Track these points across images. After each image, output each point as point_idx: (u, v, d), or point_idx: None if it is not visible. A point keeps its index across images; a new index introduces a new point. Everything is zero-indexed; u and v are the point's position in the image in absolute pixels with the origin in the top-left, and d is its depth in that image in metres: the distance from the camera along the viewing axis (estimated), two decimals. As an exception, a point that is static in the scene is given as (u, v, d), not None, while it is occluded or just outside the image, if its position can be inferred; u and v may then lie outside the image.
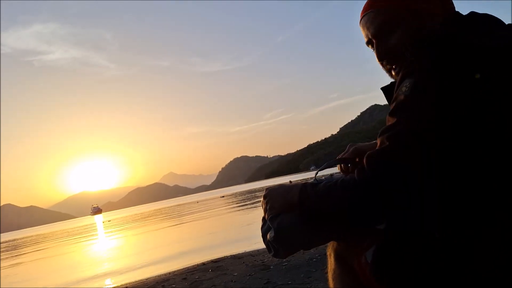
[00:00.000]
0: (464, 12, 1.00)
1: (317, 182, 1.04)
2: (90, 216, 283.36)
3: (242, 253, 6.27)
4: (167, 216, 27.80)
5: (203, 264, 5.81)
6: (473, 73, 0.85)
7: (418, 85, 0.87)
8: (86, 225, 52.43)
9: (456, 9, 1.04)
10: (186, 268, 5.85)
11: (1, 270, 12.16)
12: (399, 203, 0.87)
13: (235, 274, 4.59)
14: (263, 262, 4.95)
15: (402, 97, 0.89)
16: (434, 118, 0.85)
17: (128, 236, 16.57)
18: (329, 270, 1.21)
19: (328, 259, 1.22)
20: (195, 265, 5.90)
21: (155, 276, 5.81)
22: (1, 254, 21.95)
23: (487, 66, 0.86)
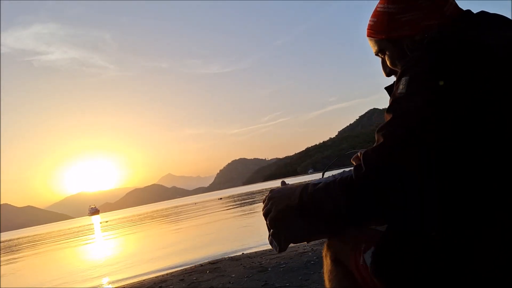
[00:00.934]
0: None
1: (318, 181, 1.05)
2: (87, 216, 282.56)
3: (240, 255, 6.28)
4: (164, 217, 27.75)
5: (201, 265, 5.81)
6: (472, 73, 0.85)
7: (413, 82, 0.89)
8: (84, 225, 52.29)
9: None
10: (183, 269, 5.85)
11: (0, 270, 12.12)
12: (395, 201, 0.88)
13: (233, 275, 4.59)
14: (260, 264, 4.96)
15: (397, 94, 0.92)
16: (428, 115, 0.86)
17: (126, 237, 16.54)
18: (325, 271, 1.22)
19: (324, 260, 1.23)
20: (193, 266, 5.91)
21: (153, 277, 5.82)
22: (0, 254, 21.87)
23: (486, 66, 0.86)
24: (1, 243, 40.85)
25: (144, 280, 5.74)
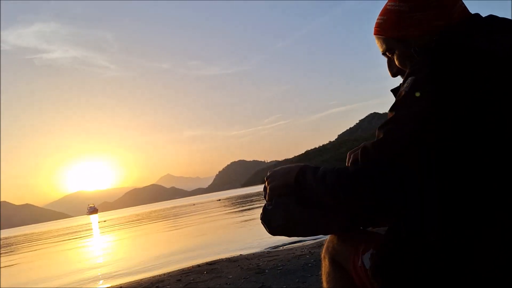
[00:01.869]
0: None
1: (316, 167, 1.06)
2: (86, 215, 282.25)
3: (238, 256, 6.28)
4: (163, 217, 27.72)
5: (198, 266, 5.81)
6: (474, 75, 0.87)
7: (418, 84, 0.91)
8: (82, 224, 52.21)
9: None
10: (181, 269, 5.84)
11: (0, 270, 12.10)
12: (391, 197, 0.89)
13: (230, 277, 4.59)
14: (258, 265, 4.95)
15: (402, 93, 0.94)
16: (429, 115, 0.87)
17: (124, 237, 16.52)
18: (323, 273, 1.23)
19: (323, 261, 1.24)
20: (190, 267, 5.90)
21: (150, 277, 5.81)
22: (-5, 251, 21.83)
23: (488, 69, 0.88)
24: (0, 241, 40.76)
25: (141, 279, 5.74)
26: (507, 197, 0.84)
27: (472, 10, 1.05)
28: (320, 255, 1.26)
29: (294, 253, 5.40)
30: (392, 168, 0.88)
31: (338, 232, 1.20)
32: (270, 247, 6.98)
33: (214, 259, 6.21)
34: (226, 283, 4.30)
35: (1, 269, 11.57)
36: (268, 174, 1.22)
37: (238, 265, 5.23)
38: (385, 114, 1.01)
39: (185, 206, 49.79)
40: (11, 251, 19.84)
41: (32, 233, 49.75)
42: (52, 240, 23.56)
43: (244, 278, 4.39)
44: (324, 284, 1.21)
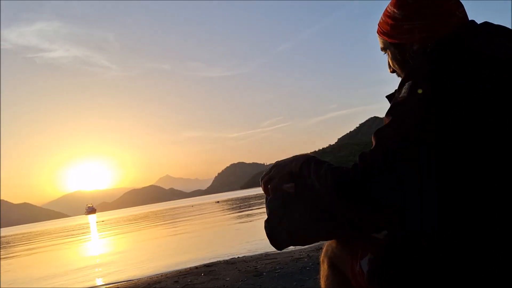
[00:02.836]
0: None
1: (323, 161, 1.04)
2: (84, 215, 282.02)
3: (235, 258, 6.28)
4: (161, 219, 27.71)
5: (196, 267, 5.81)
6: (473, 75, 0.87)
7: (413, 89, 0.91)
8: (80, 224, 52.17)
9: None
10: (178, 271, 5.84)
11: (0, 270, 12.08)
12: (386, 200, 0.89)
13: (227, 279, 4.59)
14: (256, 268, 4.95)
15: (398, 99, 0.94)
16: (427, 118, 0.87)
17: (121, 238, 16.51)
18: (321, 277, 1.23)
19: (321, 265, 1.24)
20: (188, 268, 5.90)
21: (147, 278, 5.81)
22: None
23: (485, 70, 0.89)
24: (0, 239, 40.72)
25: (138, 280, 5.74)
26: (507, 197, 0.84)
27: (472, 10, 1.07)
28: (318, 259, 1.26)
29: (292, 256, 5.39)
30: (389, 172, 0.88)
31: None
32: (268, 250, 6.97)
33: (211, 261, 6.21)
34: (224, 285, 4.29)
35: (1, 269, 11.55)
36: (273, 164, 1.18)
37: (236, 268, 5.23)
38: (386, 118, 0.99)
39: (184, 207, 49.76)
40: (9, 249, 19.80)
41: (30, 232, 49.70)
42: (50, 240, 23.53)
43: (241, 280, 4.39)
44: (323, 287, 1.21)
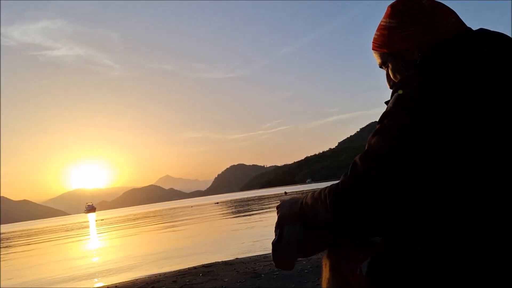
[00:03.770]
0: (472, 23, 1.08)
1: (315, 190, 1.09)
2: (83, 214, 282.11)
3: (234, 259, 6.27)
4: (161, 218, 27.70)
5: (194, 268, 5.80)
6: (472, 75, 0.89)
7: (403, 99, 0.93)
8: (79, 222, 52.17)
9: (459, 11, 1.12)
10: (177, 271, 5.84)
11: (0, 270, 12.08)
12: (379, 209, 0.91)
13: (226, 280, 4.59)
14: (254, 270, 4.95)
15: (388, 108, 0.96)
16: (418, 124, 0.88)
17: (120, 237, 16.51)
18: (323, 279, 1.24)
19: (324, 269, 1.24)
20: (186, 268, 5.90)
21: (145, 277, 5.81)
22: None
23: (487, 69, 0.90)
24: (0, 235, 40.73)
25: (136, 279, 5.74)
26: (507, 197, 0.84)
27: (473, 10, 1.12)
28: (317, 261, 1.28)
29: (290, 259, 5.39)
30: (380, 177, 0.90)
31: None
32: (266, 252, 6.97)
33: (210, 262, 6.21)
34: (222, 286, 4.29)
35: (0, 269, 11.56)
36: (278, 205, 1.30)
37: (234, 269, 5.23)
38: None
39: (183, 208, 49.74)
40: (8, 246, 19.81)
41: (29, 229, 49.69)
42: (49, 237, 23.54)
43: (239, 282, 4.39)
44: (323, 290, 1.23)
